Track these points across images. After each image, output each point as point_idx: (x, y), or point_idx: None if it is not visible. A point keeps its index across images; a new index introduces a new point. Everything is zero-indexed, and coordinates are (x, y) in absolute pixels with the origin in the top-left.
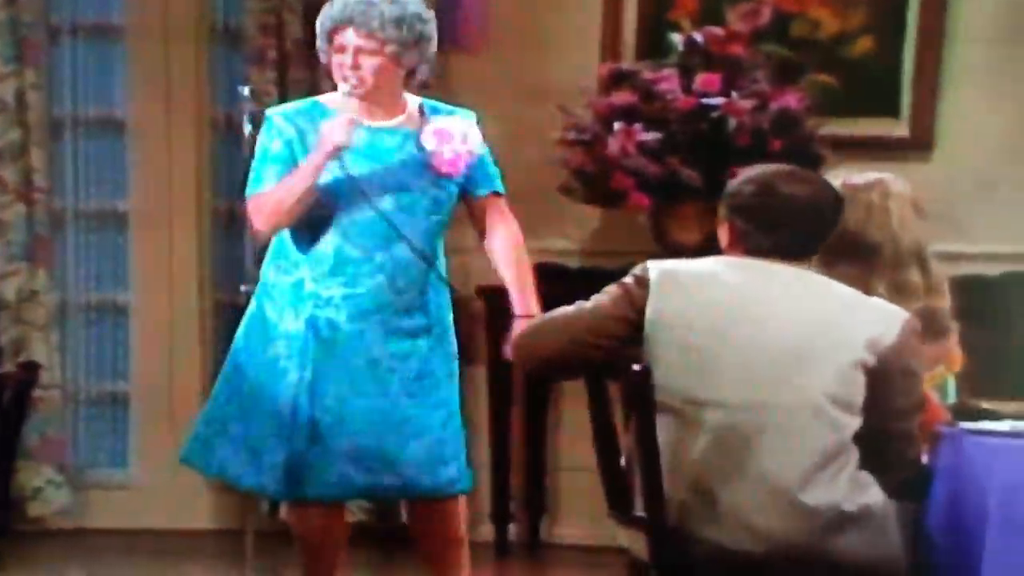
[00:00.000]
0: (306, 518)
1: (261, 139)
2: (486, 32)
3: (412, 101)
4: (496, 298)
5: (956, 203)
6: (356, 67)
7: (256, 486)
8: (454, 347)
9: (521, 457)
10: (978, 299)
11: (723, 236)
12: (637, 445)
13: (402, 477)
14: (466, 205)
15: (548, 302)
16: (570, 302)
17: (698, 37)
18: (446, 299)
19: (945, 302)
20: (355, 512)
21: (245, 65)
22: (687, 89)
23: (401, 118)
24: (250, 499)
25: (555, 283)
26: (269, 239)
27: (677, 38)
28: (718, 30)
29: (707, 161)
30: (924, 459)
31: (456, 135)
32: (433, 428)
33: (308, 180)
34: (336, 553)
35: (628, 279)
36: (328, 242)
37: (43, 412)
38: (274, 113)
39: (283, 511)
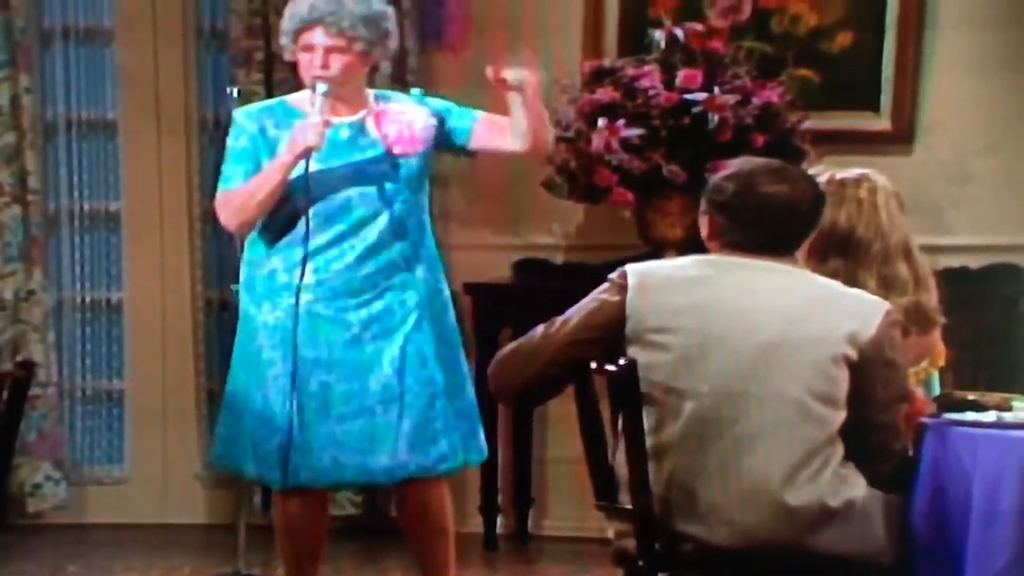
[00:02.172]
0: (289, 507)
1: (228, 139)
2: (467, 30)
3: (370, 95)
4: (482, 294)
5: (936, 196)
6: (326, 66)
7: (256, 475)
8: (447, 327)
9: (508, 450)
10: (962, 291)
11: (703, 229)
12: (624, 438)
13: (392, 456)
14: (466, 153)
15: (533, 297)
16: (554, 297)
17: (679, 33)
18: (439, 279)
19: (933, 296)
20: (344, 505)
21: (231, 67)
22: (669, 85)
23: (363, 112)
24: (243, 494)
25: (539, 278)
26: (245, 236)
27: (658, 34)
28: (698, 26)
29: (690, 156)
30: (909, 451)
31: (394, 113)
32: (420, 406)
33: (276, 177)
34: (319, 545)
35: (606, 285)
36: (297, 234)
37: (40, 409)
38: (239, 112)
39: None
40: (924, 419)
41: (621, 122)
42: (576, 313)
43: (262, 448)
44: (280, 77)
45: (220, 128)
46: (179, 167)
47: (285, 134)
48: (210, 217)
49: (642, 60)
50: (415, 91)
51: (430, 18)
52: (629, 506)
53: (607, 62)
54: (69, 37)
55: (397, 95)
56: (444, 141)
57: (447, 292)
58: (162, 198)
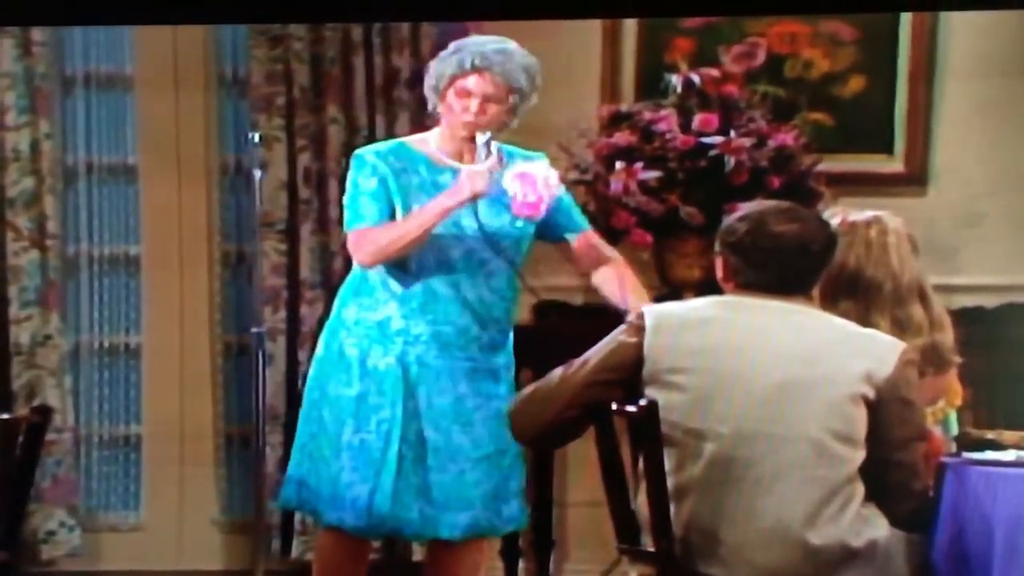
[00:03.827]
0: (337, 552)
1: (353, 176)
2: None
3: (495, 149)
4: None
5: (951, 236)
6: (482, 114)
7: (337, 521)
8: (505, 387)
9: (529, 492)
10: (977, 330)
11: (718, 270)
12: (645, 479)
13: (470, 514)
14: (561, 251)
15: (552, 339)
16: (574, 339)
17: (695, 78)
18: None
19: (948, 336)
20: None
21: (252, 112)
22: (685, 128)
23: (489, 162)
24: (260, 540)
25: (559, 320)
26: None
27: (674, 79)
28: (714, 71)
29: (707, 198)
30: (930, 491)
31: (539, 179)
32: (503, 466)
33: (431, 223)
34: None
35: (623, 327)
36: (418, 279)
37: (55, 455)
38: (365, 152)
39: (295, 550)
40: (943, 458)
41: (639, 165)
42: (594, 355)
43: (350, 494)
44: (301, 123)
45: (240, 173)
46: (199, 211)
47: (414, 178)
48: (230, 260)
49: (659, 104)
50: (541, 155)
51: None
52: (651, 548)
53: (624, 106)
54: (90, 83)
55: (519, 151)
56: (551, 228)
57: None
58: (181, 242)
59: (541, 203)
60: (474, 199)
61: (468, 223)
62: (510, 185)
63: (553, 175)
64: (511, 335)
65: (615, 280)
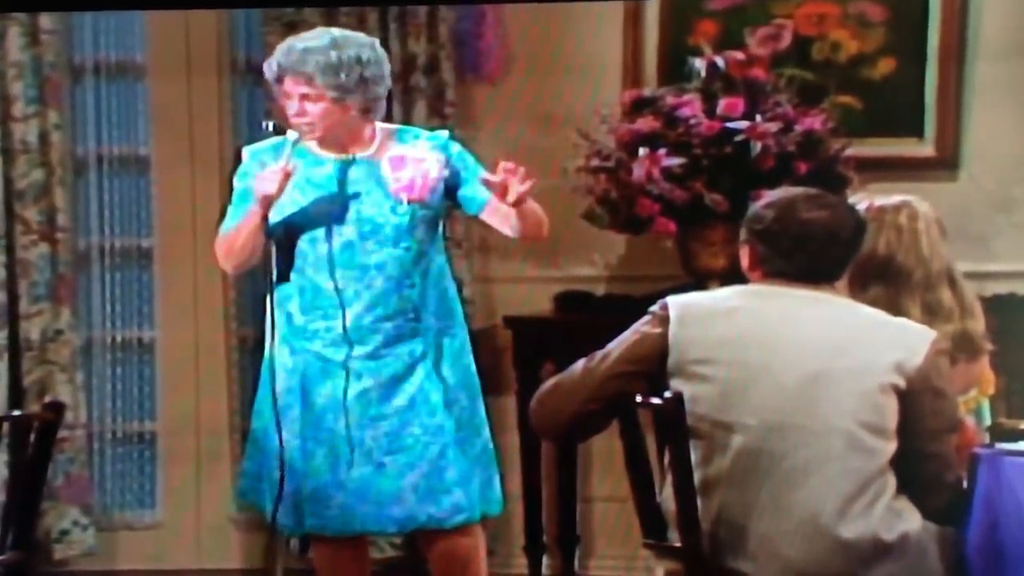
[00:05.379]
0: (320, 553)
1: (235, 180)
2: (505, 61)
3: (384, 130)
4: (523, 327)
5: (982, 222)
6: (302, 113)
7: (274, 521)
8: (461, 373)
9: (553, 488)
10: (1010, 318)
11: (744, 258)
12: (671, 473)
13: (403, 507)
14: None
15: (574, 330)
16: (596, 330)
17: (719, 61)
18: (450, 325)
19: (979, 323)
20: (384, 548)
21: (266, 100)
22: (710, 113)
23: (371, 149)
24: (279, 537)
25: (581, 311)
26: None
27: (698, 63)
28: (739, 54)
29: (732, 185)
30: (963, 482)
31: (410, 161)
32: (430, 457)
33: (248, 225)
34: None
35: (647, 318)
36: (305, 276)
37: (68, 452)
38: (245, 150)
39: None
40: (976, 449)
41: (662, 151)
42: (617, 346)
43: (272, 493)
44: None
45: None
46: (213, 202)
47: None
48: None
49: (682, 89)
50: (442, 133)
51: (468, 50)
52: (678, 544)
53: (647, 91)
54: (100, 72)
55: (420, 134)
56: (454, 200)
57: (463, 336)
58: (195, 234)
59: (415, 185)
60: (267, 200)
61: (348, 216)
62: (384, 169)
63: (433, 155)
64: (440, 322)
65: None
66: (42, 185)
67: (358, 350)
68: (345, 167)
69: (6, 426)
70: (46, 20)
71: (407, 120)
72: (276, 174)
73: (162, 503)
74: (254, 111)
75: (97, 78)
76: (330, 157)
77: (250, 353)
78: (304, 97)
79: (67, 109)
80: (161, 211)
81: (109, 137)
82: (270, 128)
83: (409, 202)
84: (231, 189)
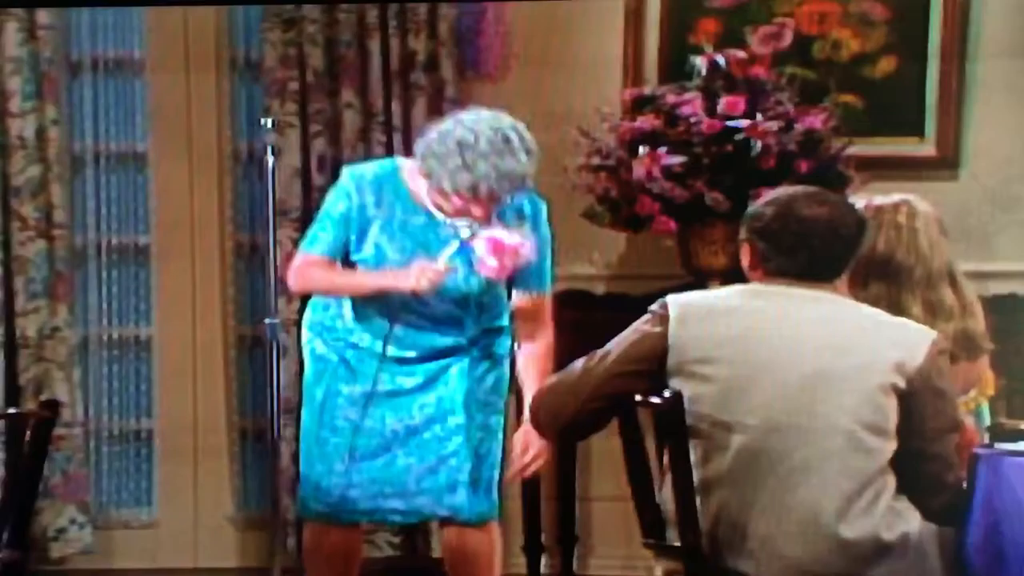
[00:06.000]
0: (312, 536)
1: (329, 194)
2: (505, 58)
3: None
4: None
5: (983, 221)
6: (465, 212)
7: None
8: (495, 379)
9: (552, 487)
10: (1011, 318)
11: (744, 257)
12: (671, 472)
13: (407, 502)
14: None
15: (574, 328)
16: (596, 328)
17: (720, 60)
18: (496, 329)
19: (980, 323)
20: (382, 547)
21: (265, 97)
22: (711, 112)
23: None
24: (277, 537)
25: (580, 309)
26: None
27: (699, 61)
28: (740, 52)
29: (733, 184)
30: (963, 482)
31: (508, 250)
32: (444, 453)
33: (362, 292)
34: None
35: (647, 317)
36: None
37: (65, 450)
38: (348, 173)
39: None
40: (976, 449)
41: (663, 150)
42: (616, 346)
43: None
44: (315, 108)
45: (253, 159)
46: (211, 199)
47: (386, 212)
48: (243, 250)
49: (683, 87)
50: (541, 205)
51: (468, 47)
52: (677, 543)
53: (648, 90)
54: (98, 68)
55: (524, 210)
56: (512, 281)
57: (506, 342)
58: (193, 231)
59: (503, 271)
60: (414, 295)
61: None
62: (478, 245)
63: (526, 246)
64: (481, 325)
65: (527, 368)
66: (39, 181)
67: (397, 352)
68: (440, 224)
69: (2, 424)
70: (44, 16)
71: (407, 118)
72: (436, 274)
73: (159, 501)
74: (252, 108)
75: (95, 74)
76: (427, 209)
77: (248, 351)
78: (486, 203)
79: (64, 105)
80: (159, 208)
81: (107, 133)
82: (268, 125)
83: (489, 279)
84: (229, 186)
